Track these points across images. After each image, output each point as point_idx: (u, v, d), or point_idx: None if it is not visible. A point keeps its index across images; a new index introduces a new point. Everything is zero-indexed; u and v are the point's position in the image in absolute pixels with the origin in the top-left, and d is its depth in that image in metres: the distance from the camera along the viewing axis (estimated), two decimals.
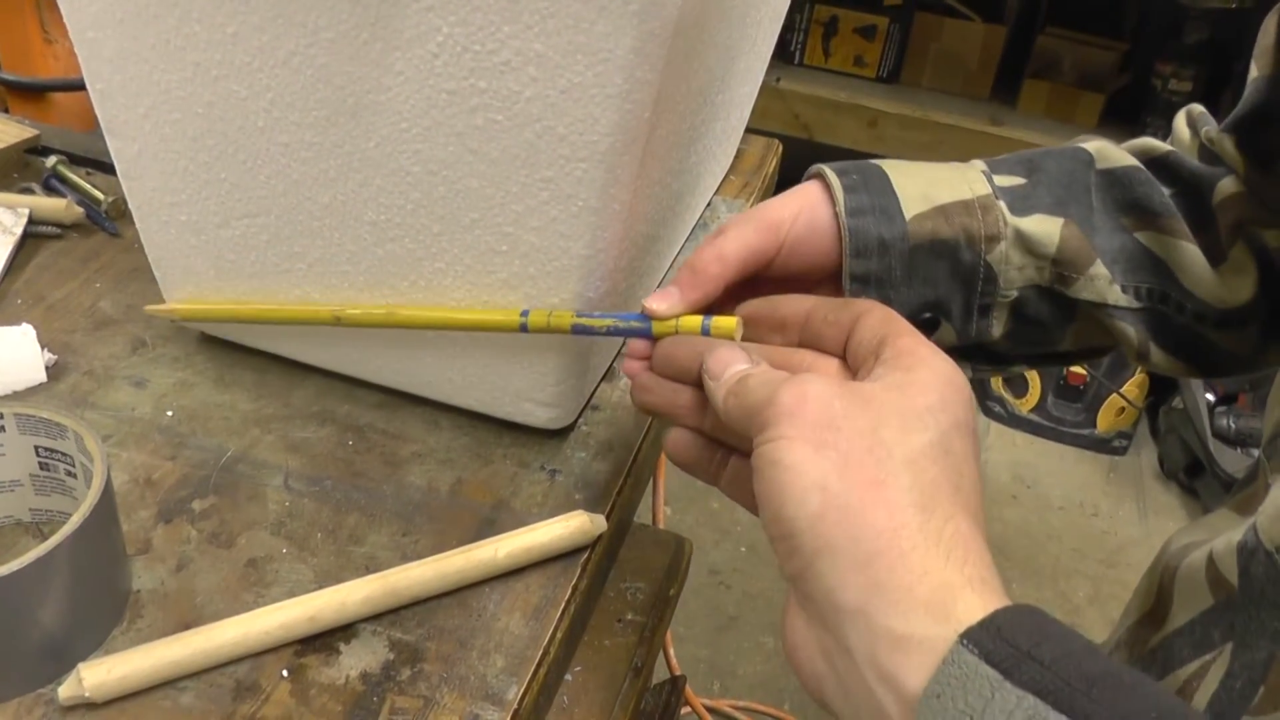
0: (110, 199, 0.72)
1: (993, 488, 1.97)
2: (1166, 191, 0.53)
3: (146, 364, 0.60)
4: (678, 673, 1.43)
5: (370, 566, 0.49)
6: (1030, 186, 0.52)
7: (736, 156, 0.86)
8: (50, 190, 0.73)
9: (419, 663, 0.45)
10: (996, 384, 2.14)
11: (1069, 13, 2.22)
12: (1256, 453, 0.50)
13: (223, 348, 0.61)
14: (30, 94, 0.87)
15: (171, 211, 0.55)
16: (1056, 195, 0.52)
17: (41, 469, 0.48)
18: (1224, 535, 0.44)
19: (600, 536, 0.51)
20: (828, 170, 0.50)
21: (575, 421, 0.58)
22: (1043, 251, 0.51)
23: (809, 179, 0.51)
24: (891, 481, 0.34)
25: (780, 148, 0.92)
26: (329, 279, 0.54)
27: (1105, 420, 2.06)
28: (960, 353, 0.54)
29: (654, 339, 0.46)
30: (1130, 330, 0.52)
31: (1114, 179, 0.53)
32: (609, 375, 0.62)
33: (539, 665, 0.46)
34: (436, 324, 0.53)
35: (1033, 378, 2.10)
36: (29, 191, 0.72)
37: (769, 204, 0.48)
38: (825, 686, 0.35)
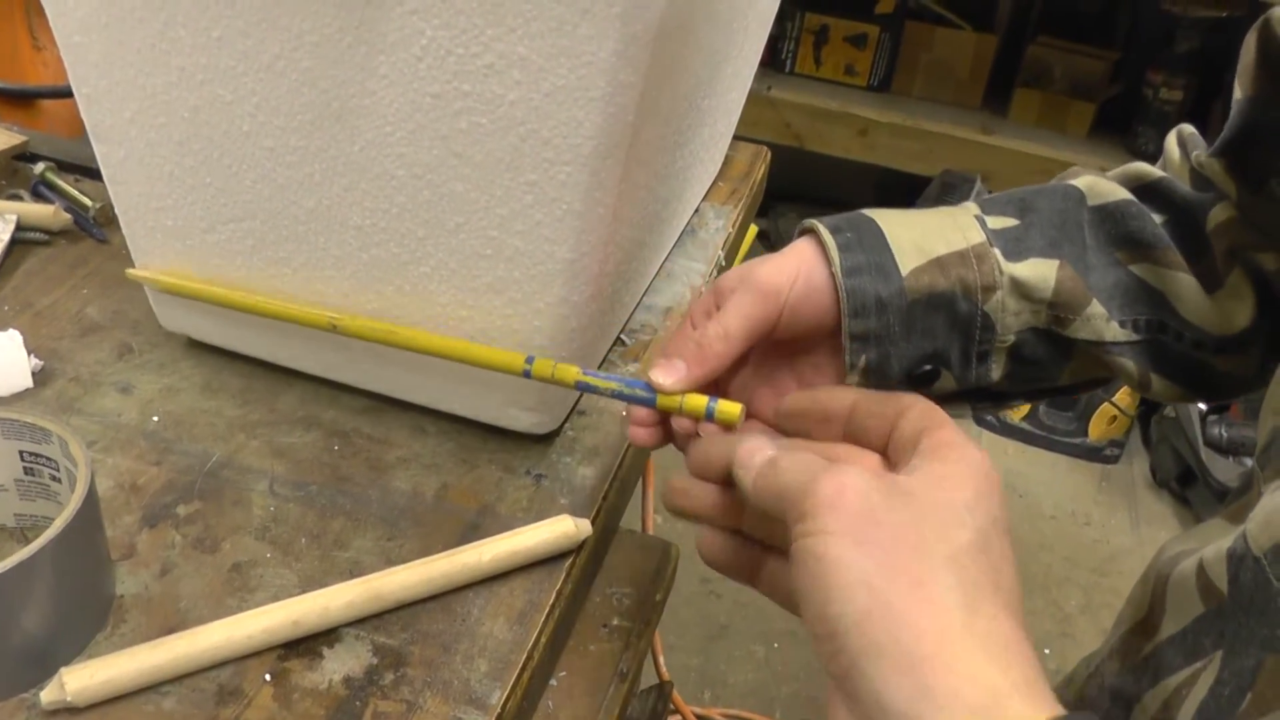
0: (98, 205, 0.72)
1: None
2: (1159, 219, 0.53)
3: (133, 370, 0.60)
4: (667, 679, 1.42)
5: (355, 571, 0.49)
6: (1023, 228, 0.52)
7: (725, 163, 0.87)
8: (38, 197, 0.73)
9: (402, 667, 0.45)
10: None
11: (1060, 22, 2.23)
12: (1249, 462, 0.49)
13: (209, 354, 0.61)
14: (19, 101, 0.87)
15: (157, 216, 0.55)
16: (1050, 236, 0.52)
17: (26, 474, 0.48)
18: (1215, 543, 0.44)
19: (585, 541, 0.51)
20: (821, 227, 0.50)
21: (561, 427, 0.58)
22: (1039, 296, 0.51)
23: (801, 235, 0.51)
24: (934, 580, 0.34)
25: (769, 155, 0.92)
26: (315, 284, 0.54)
27: (1097, 429, 2.06)
28: (959, 395, 0.54)
29: (658, 409, 0.47)
30: (1130, 364, 0.53)
31: (1106, 214, 0.53)
32: None
33: (522, 669, 0.46)
34: (437, 353, 0.53)
35: None
36: (17, 198, 0.72)
37: (765, 267, 0.48)
38: None
